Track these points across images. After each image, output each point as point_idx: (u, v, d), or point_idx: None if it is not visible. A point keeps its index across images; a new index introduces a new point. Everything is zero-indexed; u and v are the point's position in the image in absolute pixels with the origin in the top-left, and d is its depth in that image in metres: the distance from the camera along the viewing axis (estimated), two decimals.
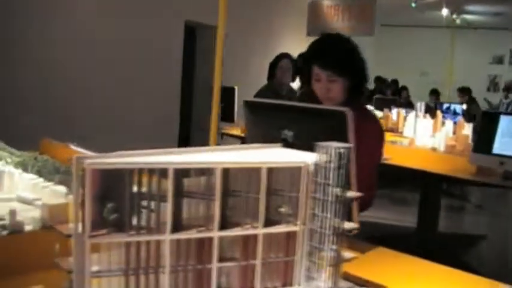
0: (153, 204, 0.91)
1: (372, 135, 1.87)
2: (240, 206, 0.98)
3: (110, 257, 0.88)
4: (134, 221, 0.90)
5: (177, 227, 0.92)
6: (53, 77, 5.46)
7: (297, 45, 8.10)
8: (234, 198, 0.97)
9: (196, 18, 6.49)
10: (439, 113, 4.64)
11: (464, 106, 8.05)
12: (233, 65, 6.37)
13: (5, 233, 1.25)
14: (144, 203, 0.91)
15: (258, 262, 0.99)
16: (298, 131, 1.53)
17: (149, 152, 0.98)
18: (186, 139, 7.45)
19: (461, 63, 10.26)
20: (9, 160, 1.89)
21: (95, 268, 0.87)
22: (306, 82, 2.01)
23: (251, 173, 0.97)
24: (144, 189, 0.90)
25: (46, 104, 5.41)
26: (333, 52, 1.90)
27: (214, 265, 0.94)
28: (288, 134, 1.54)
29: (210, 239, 0.95)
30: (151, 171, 0.90)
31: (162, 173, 0.89)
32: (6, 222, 1.29)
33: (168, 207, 0.91)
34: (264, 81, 4.28)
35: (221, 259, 0.96)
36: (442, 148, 3.77)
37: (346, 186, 1.04)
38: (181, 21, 6.52)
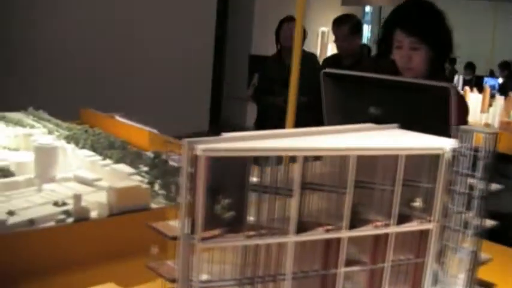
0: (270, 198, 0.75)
1: (461, 117, 1.68)
2: (368, 200, 0.81)
3: (222, 264, 0.72)
4: (251, 219, 0.74)
5: (301, 226, 0.75)
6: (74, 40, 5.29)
7: (329, 13, 7.82)
8: (360, 190, 0.80)
9: None
10: (487, 88, 4.39)
11: (500, 80, 7.75)
12: (265, 33, 6.12)
13: (70, 220, 1.10)
14: (263, 197, 0.75)
15: (387, 265, 0.82)
16: (387, 108, 1.36)
17: (260, 134, 0.80)
18: (218, 107, 7.28)
19: (503, 37, 9.93)
20: (57, 133, 1.74)
21: (204, 277, 0.71)
22: (386, 50, 1.85)
23: (383, 160, 0.80)
24: (263, 180, 0.73)
25: (69, 69, 5.27)
26: (416, 17, 1.76)
27: (341, 270, 0.78)
28: (376, 111, 1.37)
29: (338, 240, 0.78)
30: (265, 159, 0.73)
31: (279, 160, 0.73)
32: (70, 207, 1.14)
33: (293, 203, 0.74)
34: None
35: (347, 262, 0.80)
36: (496, 125, 3.55)
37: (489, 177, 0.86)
38: None
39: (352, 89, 1.44)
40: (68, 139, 1.65)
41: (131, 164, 1.46)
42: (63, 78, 5.16)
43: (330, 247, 0.79)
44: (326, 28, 8.69)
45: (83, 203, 1.13)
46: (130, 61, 5.77)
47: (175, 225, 0.78)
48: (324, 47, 8.56)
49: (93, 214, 1.13)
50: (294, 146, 0.75)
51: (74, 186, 1.31)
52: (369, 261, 0.81)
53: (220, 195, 0.71)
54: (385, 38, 1.84)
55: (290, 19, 3.83)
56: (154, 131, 2.30)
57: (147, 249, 1.17)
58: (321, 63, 3.74)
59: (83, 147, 1.59)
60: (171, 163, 1.53)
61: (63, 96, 4.70)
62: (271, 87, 3.82)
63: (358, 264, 0.81)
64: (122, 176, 1.32)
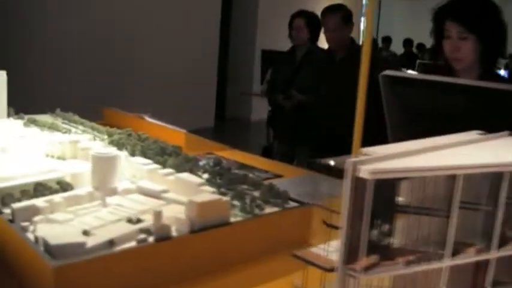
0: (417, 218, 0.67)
1: None
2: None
3: None
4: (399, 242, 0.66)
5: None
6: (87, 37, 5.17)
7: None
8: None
9: None
10: None
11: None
12: (272, 27, 6.01)
13: (151, 239, 1.00)
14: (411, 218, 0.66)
15: None
16: (453, 113, 1.27)
17: (404, 149, 0.71)
18: (222, 101, 7.16)
19: None
20: (105, 139, 1.63)
21: None
22: (436, 40, 1.83)
23: None
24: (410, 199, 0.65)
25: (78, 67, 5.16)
26: (466, 6, 1.77)
27: None
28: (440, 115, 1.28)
29: (486, 262, 0.70)
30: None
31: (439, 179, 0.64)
32: (147, 224, 1.04)
33: (451, 224, 0.65)
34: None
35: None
36: None
37: None
38: None
39: (413, 92, 1.37)
40: (117, 145, 1.54)
41: (191, 172, 1.36)
42: (59, 77, 5.03)
43: (479, 269, 0.70)
44: None
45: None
46: (132, 57, 5.66)
47: (319, 252, 0.69)
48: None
49: (172, 231, 1.03)
50: (452, 163, 0.66)
51: (139, 198, 1.20)
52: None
53: (377, 220, 0.63)
54: (436, 29, 1.84)
55: (300, 14, 3.71)
56: (183, 131, 2.20)
57: (231, 265, 1.08)
58: None
59: (132, 154, 1.49)
60: (233, 171, 1.43)
61: (60, 96, 4.58)
62: (281, 86, 3.74)
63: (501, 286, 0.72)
64: (191, 187, 1.22)
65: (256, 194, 1.28)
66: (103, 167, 1.24)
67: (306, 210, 1.26)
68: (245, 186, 1.32)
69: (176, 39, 5.97)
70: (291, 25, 3.68)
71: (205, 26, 6.32)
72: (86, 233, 0.98)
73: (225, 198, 1.11)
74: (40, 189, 1.16)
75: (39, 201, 1.09)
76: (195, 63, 6.24)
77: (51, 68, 4.95)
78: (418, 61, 6.99)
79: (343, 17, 3.14)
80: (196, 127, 4.61)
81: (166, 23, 5.84)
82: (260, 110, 5.09)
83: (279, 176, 1.82)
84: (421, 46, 9.25)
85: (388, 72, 1.42)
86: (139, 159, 1.41)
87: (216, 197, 1.09)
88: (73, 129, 1.79)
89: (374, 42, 8.25)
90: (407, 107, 1.44)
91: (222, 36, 6.65)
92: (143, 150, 1.50)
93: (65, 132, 1.75)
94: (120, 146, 1.54)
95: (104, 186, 1.23)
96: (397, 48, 10.86)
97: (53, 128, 1.79)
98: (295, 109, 3.58)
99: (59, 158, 1.51)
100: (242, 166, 1.89)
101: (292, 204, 1.26)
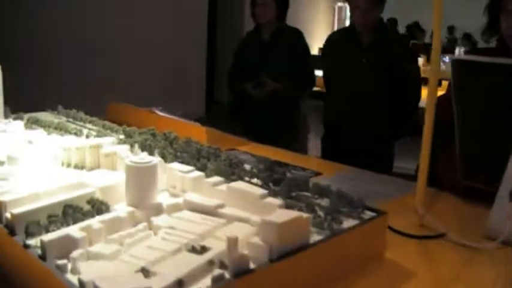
0: None
1: None
2: None
3: None
4: None
5: None
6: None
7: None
8: None
9: None
10: None
11: None
12: None
13: (227, 274, 0.78)
14: None
15: None
16: None
17: None
18: (211, 96, 6.93)
19: None
20: (117, 138, 1.40)
21: None
22: (490, 16, 1.63)
23: None
24: None
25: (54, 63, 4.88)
26: None
27: None
28: None
29: None
30: None
31: None
32: (215, 253, 0.82)
33: None
34: None
35: None
36: None
37: None
38: None
39: (490, 79, 1.18)
40: (143, 148, 1.31)
41: (240, 179, 1.14)
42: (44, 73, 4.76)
43: None
44: (342, 3, 8.26)
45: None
46: (122, 47, 5.40)
47: None
48: (341, 23, 8.17)
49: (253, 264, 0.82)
50: None
51: (191, 217, 0.98)
52: None
53: None
54: (492, 3, 1.64)
55: None
56: (199, 125, 1.98)
57: None
58: (329, 38, 2.84)
59: (163, 159, 1.26)
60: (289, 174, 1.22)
61: (51, 91, 4.32)
62: (244, 71, 2.98)
63: None
64: (252, 199, 1.00)
65: (324, 202, 1.08)
66: (144, 179, 1.02)
67: (382, 220, 1.06)
68: (308, 194, 1.12)
69: (163, 29, 5.72)
70: (254, 1, 2.92)
71: (192, 16, 6.07)
72: (145, 272, 0.76)
73: (306, 215, 0.90)
74: (70, 212, 0.94)
75: (74, 230, 0.86)
76: (184, 52, 5.99)
77: (39, 62, 4.66)
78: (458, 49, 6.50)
79: None
80: (188, 116, 4.38)
81: (155, 18, 5.59)
82: None
83: (318, 174, 1.63)
84: (412, 27, 8.68)
85: (460, 56, 1.22)
86: (176, 165, 1.18)
87: (296, 214, 0.88)
88: (85, 130, 1.55)
89: (392, 23, 7.81)
90: (481, 92, 1.25)
91: (209, 25, 6.39)
92: (175, 153, 1.27)
93: (76, 134, 1.51)
94: (147, 149, 1.31)
95: (145, 203, 1.00)
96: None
97: (60, 128, 1.55)
98: (268, 100, 2.86)
99: (76, 166, 1.28)
100: (274, 163, 1.68)
101: (367, 212, 1.06)
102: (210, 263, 0.81)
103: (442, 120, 1.69)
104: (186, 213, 1.00)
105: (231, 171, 1.18)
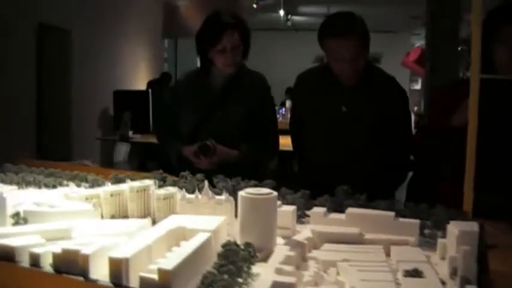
0: None
1: None
2: None
3: None
4: None
5: None
6: None
7: (153, 47, 7.37)
8: None
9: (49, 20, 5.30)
10: None
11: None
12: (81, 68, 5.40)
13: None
14: None
15: None
16: None
17: None
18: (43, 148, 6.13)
19: (289, 63, 10.66)
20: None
21: None
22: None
23: None
24: None
25: None
26: None
27: None
28: None
29: None
30: None
31: None
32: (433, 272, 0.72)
33: None
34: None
35: None
36: None
37: None
38: (34, 23, 5.34)
39: None
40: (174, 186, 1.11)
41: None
42: None
43: None
44: None
45: None
46: None
47: None
48: None
49: None
50: None
51: (340, 248, 0.85)
52: None
53: None
54: (486, 36, 1.50)
55: (235, 26, 1.89)
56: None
57: None
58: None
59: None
60: None
61: None
62: (185, 132, 1.99)
63: None
64: (386, 220, 0.91)
65: None
66: (267, 212, 0.86)
67: None
68: None
69: None
70: (216, 43, 1.86)
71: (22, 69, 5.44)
72: None
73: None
74: (234, 258, 0.74)
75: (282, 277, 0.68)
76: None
77: None
78: None
79: (363, 34, 1.78)
80: None
81: None
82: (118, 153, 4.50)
83: None
84: None
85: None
86: None
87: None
88: (70, 183, 1.27)
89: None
90: None
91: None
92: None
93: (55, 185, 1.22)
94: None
95: (272, 238, 0.85)
96: None
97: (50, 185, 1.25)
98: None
99: (116, 215, 1.03)
100: None
101: None
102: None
103: (431, 151, 1.70)
104: (330, 246, 0.87)
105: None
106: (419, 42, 10.89)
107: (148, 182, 1.07)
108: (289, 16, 9.43)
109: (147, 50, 7.18)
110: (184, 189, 1.05)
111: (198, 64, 2.05)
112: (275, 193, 0.88)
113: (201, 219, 0.93)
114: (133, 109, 4.27)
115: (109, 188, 1.06)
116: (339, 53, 1.75)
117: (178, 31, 7.61)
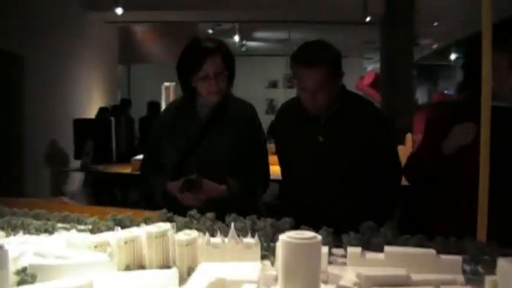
0: None
1: None
2: None
3: None
4: None
5: None
6: None
7: (108, 74, 7.17)
8: None
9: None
10: None
11: None
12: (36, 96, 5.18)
13: None
14: None
15: None
16: None
17: None
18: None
19: (242, 89, 10.69)
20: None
21: None
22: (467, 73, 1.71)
23: None
24: None
25: None
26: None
27: None
28: None
29: None
30: None
31: None
32: None
33: None
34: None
35: None
36: None
37: None
38: None
39: None
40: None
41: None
42: None
43: None
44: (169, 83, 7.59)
45: None
46: None
47: None
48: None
49: None
50: None
51: None
52: None
53: None
54: (472, 61, 1.59)
55: (215, 50, 1.76)
56: None
57: None
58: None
59: None
60: None
61: None
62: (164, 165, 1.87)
63: None
64: (427, 259, 0.86)
65: None
66: (312, 257, 0.79)
67: None
68: None
69: None
70: (197, 70, 1.74)
71: None
72: None
73: None
74: None
75: None
76: None
77: None
78: None
79: (332, 66, 1.71)
80: None
81: None
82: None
83: None
84: None
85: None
86: None
87: None
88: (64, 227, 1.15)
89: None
90: None
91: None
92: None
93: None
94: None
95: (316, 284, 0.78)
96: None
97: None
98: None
99: (132, 265, 0.92)
100: None
101: None
102: None
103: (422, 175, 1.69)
104: None
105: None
106: (371, 66, 11.22)
107: (165, 226, 0.97)
108: (243, 41, 9.48)
109: (101, 77, 6.99)
110: (207, 233, 0.96)
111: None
112: (319, 237, 0.81)
113: (236, 267, 0.84)
114: (94, 138, 4.09)
115: (122, 233, 0.95)
116: (303, 83, 1.70)
117: (133, 57, 7.46)
